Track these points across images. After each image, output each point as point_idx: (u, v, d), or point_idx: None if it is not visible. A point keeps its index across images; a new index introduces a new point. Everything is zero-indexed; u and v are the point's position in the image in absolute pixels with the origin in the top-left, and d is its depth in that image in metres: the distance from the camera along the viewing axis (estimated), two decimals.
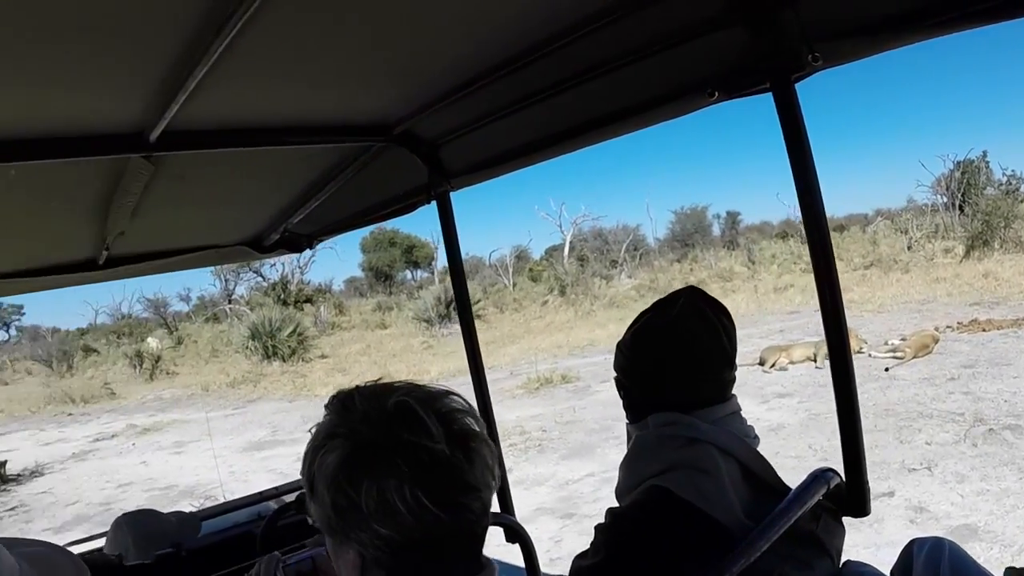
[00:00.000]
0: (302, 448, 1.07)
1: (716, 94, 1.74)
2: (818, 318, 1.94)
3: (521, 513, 6.82)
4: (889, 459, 7.01)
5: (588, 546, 1.66)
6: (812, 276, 1.92)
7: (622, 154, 68.39)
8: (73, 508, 10.15)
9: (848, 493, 1.84)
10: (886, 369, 10.68)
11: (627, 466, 1.75)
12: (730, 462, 1.67)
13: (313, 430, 1.07)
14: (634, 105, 1.96)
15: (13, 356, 37.22)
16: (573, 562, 1.66)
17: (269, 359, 23.63)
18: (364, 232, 47.42)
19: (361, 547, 1.03)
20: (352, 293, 47.07)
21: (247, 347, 24.50)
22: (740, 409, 1.81)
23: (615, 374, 1.84)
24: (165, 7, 1.31)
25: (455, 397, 1.10)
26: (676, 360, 1.72)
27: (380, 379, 1.13)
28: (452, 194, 2.61)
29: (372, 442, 1.01)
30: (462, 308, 2.81)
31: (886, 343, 11.91)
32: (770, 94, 1.73)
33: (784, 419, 9.14)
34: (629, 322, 1.83)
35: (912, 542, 2.05)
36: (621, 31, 1.76)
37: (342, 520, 1.02)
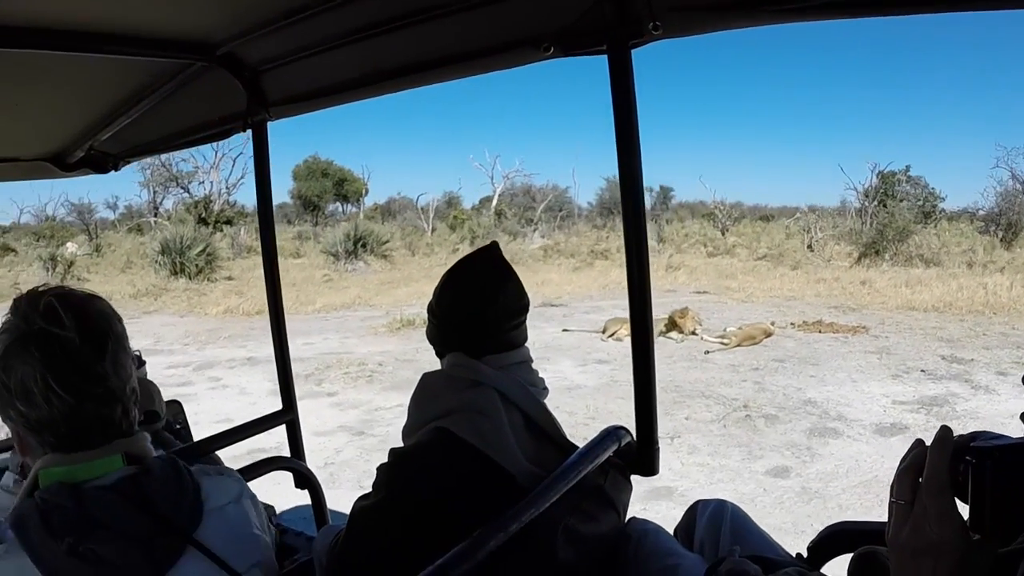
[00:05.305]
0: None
1: (552, 50, 1.72)
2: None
3: (325, 427, 7.79)
4: None
5: (371, 488, 1.69)
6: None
7: (566, 113, 68.47)
8: None
9: (638, 453, 1.94)
10: (706, 352, 11.26)
11: (414, 406, 1.80)
12: (512, 409, 1.71)
13: None
14: (466, 51, 1.92)
15: None
16: (355, 503, 1.68)
17: (176, 275, 23.50)
18: (298, 159, 47.18)
19: (13, 423, 1.19)
20: (280, 219, 45.88)
21: (157, 262, 24.47)
22: (531, 360, 1.85)
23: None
24: None
25: (102, 304, 1.26)
26: (467, 306, 1.78)
27: (46, 285, 1.26)
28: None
29: (23, 334, 1.15)
30: (266, 248, 2.74)
31: (724, 330, 12.43)
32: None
33: (586, 381, 9.68)
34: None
35: (696, 503, 2.21)
36: None
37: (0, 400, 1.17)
